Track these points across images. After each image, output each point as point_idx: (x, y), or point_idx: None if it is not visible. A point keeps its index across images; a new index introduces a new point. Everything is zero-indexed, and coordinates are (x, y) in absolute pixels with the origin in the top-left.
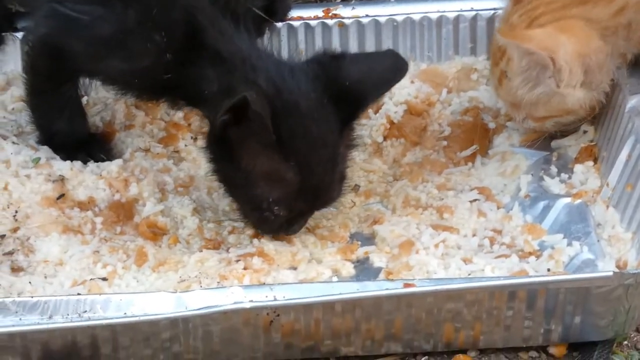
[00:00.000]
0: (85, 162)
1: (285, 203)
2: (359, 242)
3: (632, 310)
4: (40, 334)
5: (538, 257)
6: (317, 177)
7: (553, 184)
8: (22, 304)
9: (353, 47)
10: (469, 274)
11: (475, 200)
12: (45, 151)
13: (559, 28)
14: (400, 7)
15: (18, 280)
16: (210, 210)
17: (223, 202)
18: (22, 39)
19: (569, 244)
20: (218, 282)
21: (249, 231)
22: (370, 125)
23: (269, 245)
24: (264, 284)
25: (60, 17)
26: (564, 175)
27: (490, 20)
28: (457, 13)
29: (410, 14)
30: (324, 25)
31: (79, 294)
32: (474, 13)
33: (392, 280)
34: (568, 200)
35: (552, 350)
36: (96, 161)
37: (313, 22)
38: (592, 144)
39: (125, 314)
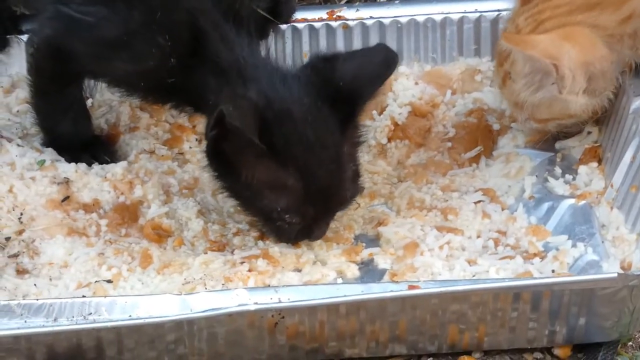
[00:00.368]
0: (89, 164)
1: (294, 210)
2: (364, 244)
3: (636, 312)
4: (46, 337)
5: (542, 258)
6: (321, 180)
7: (557, 185)
8: (27, 307)
9: (357, 47)
10: (474, 276)
11: (479, 201)
12: (50, 153)
13: (563, 35)
14: (405, 9)
15: (23, 282)
16: (215, 212)
17: (227, 204)
18: (27, 41)
19: (574, 246)
20: (223, 284)
21: (254, 233)
22: (374, 127)
23: (273, 248)
24: (269, 286)
25: (64, 18)
26: (568, 177)
27: (494, 22)
28: (461, 14)
29: (415, 15)
30: (328, 27)
31: (84, 297)
32: (478, 14)
33: (396, 282)
34: (572, 201)
35: (557, 351)
36: (101, 163)
37: (317, 24)
38: (597, 145)
39: (130, 316)
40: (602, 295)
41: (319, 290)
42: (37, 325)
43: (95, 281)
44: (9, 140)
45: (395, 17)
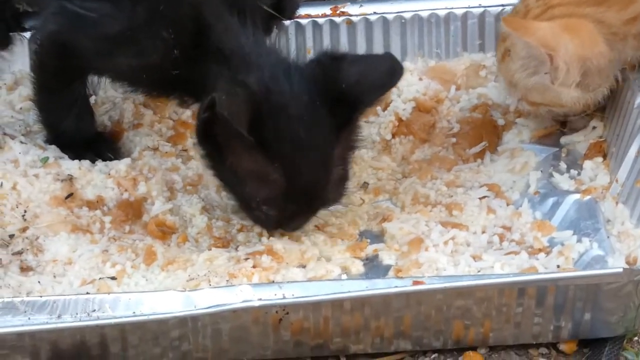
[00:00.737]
0: (93, 162)
1: (273, 203)
2: (368, 240)
3: None
4: (49, 334)
5: (548, 253)
6: (306, 179)
7: (562, 181)
8: (31, 304)
9: (361, 45)
10: (479, 271)
11: (484, 197)
12: (53, 150)
13: (565, 26)
14: (408, 4)
15: (27, 279)
16: (219, 209)
17: (232, 200)
18: (30, 38)
19: (579, 241)
20: (227, 281)
21: (258, 229)
22: (378, 123)
23: (277, 244)
24: (273, 282)
25: (68, 14)
26: (573, 172)
27: (499, 17)
28: (465, 10)
29: (418, 11)
30: (332, 22)
31: (87, 293)
32: (482, 10)
33: (401, 277)
34: (577, 196)
35: (562, 346)
36: (104, 160)
37: (321, 20)
38: (602, 140)
39: (134, 313)
40: (607, 290)
41: (324, 286)
42: (41, 322)
43: (99, 278)
44: (12, 138)
45: (399, 12)
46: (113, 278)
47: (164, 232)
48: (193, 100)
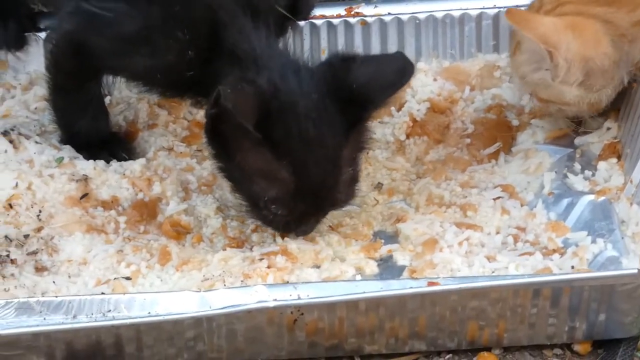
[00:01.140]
0: (107, 162)
1: (282, 202)
2: (383, 241)
3: None
4: (65, 334)
5: (562, 254)
6: (315, 178)
7: (577, 181)
8: (47, 304)
9: (375, 46)
10: (493, 272)
11: (498, 197)
12: (68, 150)
13: (571, 24)
14: (423, 5)
15: (42, 280)
16: (233, 209)
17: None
18: (46, 38)
19: (593, 242)
20: (242, 281)
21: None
22: (392, 123)
23: (292, 244)
24: (288, 282)
25: (84, 14)
26: (587, 173)
27: None
28: (479, 10)
29: (433, 11)
30: (347, 23)
31: (102, 294)
32: (496, 10)
33: (416, 278)
34: (592, 197)
35: (577, 347)
36: (118, 160)
37: (335, 21)
38: (616, 140)
39: (149, 313)
40: (622, 291)
41: (338, 287)
42: (57, 322)
43: (114, 278)
44: (27, 138)
45: (413, 13)
46: (128, 278)
47: (179, 232)
48: (206, 102)
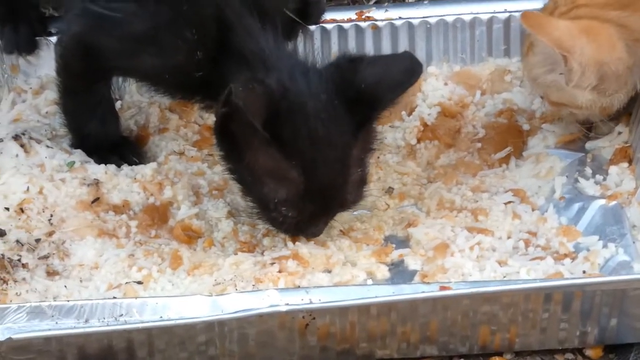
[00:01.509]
0: (118, 166)
1: (292, 204)
2: (394, 245)
3: None
4: (77, 338)
5: (573, 259)
6: (324, 178)
7: (588, 186)
8: (58, 308)
9: (386, 50)
10: (504, 277)
11: (509, 202)
12: (79, 155)
13: (586, 28)
14: (434, 9)
15: (54, 284)
16: (244, 213)
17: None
18: (56, 42)
19: (605, 246)
20: (253, 285)
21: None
22: (403, 128)
23: (303, 249)
24: (299, 287)
25: (93, 15)
26: (598, 177)
27: None
28: (490, 15)
29: (444, 15)
30: (357, 27)
31: (114, 298)
32: (507, 14)
33: (427, 283)
34: (603, 201)
35: (588, 352)
36: (130, 164)
37: (346, 25)
38: (627, 145)
39: (161, 317)
40: (633, 295)
41: (350, 291)
42: (68, 326)
43: (126, 282)
44: (38, 142)
45: (424, 17)
46: (139, 282)
47: (190, 236)
48: (215, 103)
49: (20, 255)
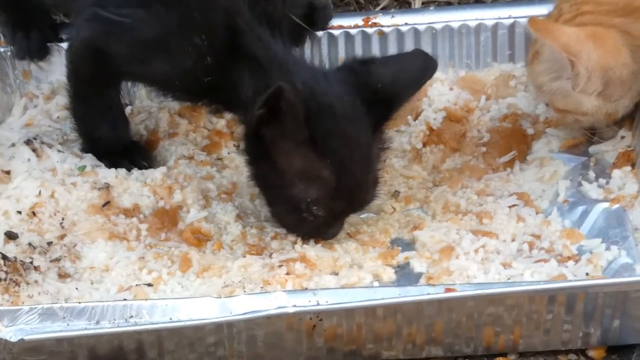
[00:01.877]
0: (128, 170)
1: (323, 203)
2: (400, 248)
3: None
4: (88, 339)
5: (577, 261)
6: (353, 177)
7: (591, 189)
8: (70, 310)
9: (392, 53)
10: (509, 279)
11: (514, 205)
12: (90, 159)
13: (592, 34)
14: (439, 15)
15: (65, 286)
16: (253, 216)
17: (265, 208)
18: (67, 48)
19: (607, 249)
20: (261, 287)
21: (291, 237)
22: (409, 132)
23: (310, 251)
24: (307, 289)
25: (102, 20)
26: (602, 181)
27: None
28: (495, 21)
29: (449, 21)
30: (364, 33)
31: (125, 300)
32: (512, 20)
33: (433, 285)
34: (606, 205)
35: (591, 353)
36: (140, 168)
37: (353, 31)
38: (630, 149)
39: (170, 319)
40: (636, 297)
41: (357, 293)
42: (80, 328)
43: (136, 285)
44: (50, 146)
45: (430, 23)
46: (149, 285)
47: (199, 239)
48: (222, 108)
49: (33, 258)
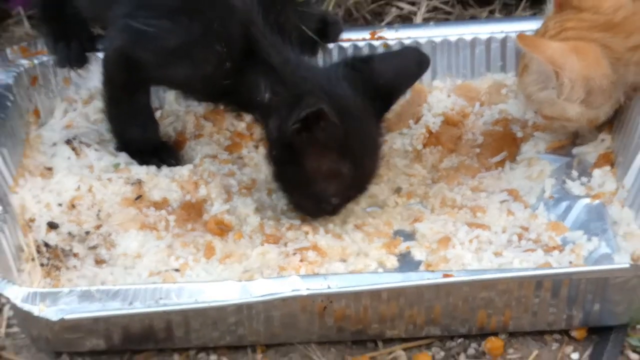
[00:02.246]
0: (158, 167)
1: (340, 194)
2: (402, 238)
3: None
4: (122, 319)
5: (561, 251)
6: (365, 169)
7: (574, 187)
8: (106, 292)
9: None
10: (500, 266)
11: (505, 200)
12: (124, 157)
13: (574, 47)
14: (438, 30)
15: (101, 271)
16: (270, 210)
17: (281, 202)
18: (103, 57)
19: (589, 240)
20: (278, 273)
21: (305, 228)
22: (410, 135)
23: (321, 241)
24: (318, 274)
25: (132, 30)
26: (584, 179)
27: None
28: (489, 35)
29: (447, 36)
30: (371, 46)
31: (155, 283)
32: (503, 35)
33: (432, 271)
34: (587, 200)
35: (574, 333)
36: (168, 166)
37: (361, 43)
38: (609, 150)
39: (196, 300)
40: (614, 284)
41: (363, 278)
42: (114, 308)
43: (165, 270)
44: (88, 146)
45: (430, 37)
46: (177, 270)
47: (222, 229)
48: (240, 108)
49: (72, 246)
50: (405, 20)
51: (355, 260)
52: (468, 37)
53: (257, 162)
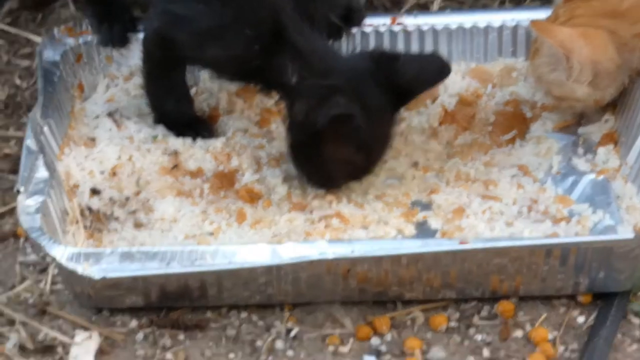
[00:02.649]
0: (194, 139)
1: (352, 176)
2: (419, 208)
3: None
4: (159, 278)
5: (568, 222)
6: (377, 157)
7: (580, 163)
8: (145, 253)
9: (414, 49)
10: (511, 235)
11: (515, 175)
12: (161, 129)
13: (582, 33)
14: (454, 17)
15: (140, 234)
16: (296, 180)
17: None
18: (143, 37)
19: (594, 212)
20: (304, 238)
21: (329, 197)
22: (427, 113)
23: (344, 209)
24: (343, 240)
25: (169, 13)
26: (589, 156)
27: (529, 29)
28: (501, 23)
29: (462, 22)
30: (391, 31)
31: (191, 245)
32: (515, 23)
33: (449, 239)
34: (592, 176)
35: (580, 298)
36: (203, 138)
37: (382, 29)
38: (613, 130)
39: (229, 262)
40: (619, 253)
41: (385, 244)
42: (153, 268)
43: (200, 234)
44: (128, 119)
45: (446, 24)
46: (211, 234)
47: (252, 197)
48: (269, 88)
49: (113, 210)
50: (423, 8)
51: (376, 228)
52: (482, 24)
53: (284, 136)
